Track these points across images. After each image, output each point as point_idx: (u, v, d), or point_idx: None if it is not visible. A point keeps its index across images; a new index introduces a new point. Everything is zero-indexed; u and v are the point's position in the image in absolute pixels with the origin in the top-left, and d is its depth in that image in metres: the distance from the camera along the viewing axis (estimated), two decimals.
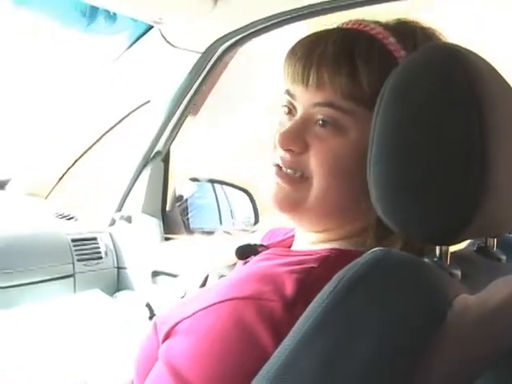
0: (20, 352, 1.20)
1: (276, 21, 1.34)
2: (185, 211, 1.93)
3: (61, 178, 2.09)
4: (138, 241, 1.78)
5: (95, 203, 2.01)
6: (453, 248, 0.63)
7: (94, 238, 1.73)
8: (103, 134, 1.90)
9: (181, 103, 1.64)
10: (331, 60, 0.70)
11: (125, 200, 1.82)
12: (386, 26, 0.74)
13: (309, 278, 0.65)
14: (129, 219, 1.78)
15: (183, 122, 1.71)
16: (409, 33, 0.74)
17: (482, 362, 0.59)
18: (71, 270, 1.62)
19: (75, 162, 2.03)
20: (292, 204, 0.74)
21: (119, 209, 1.82)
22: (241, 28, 1.35)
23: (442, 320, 0.51)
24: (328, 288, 0.54)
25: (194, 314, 0.67)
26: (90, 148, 1.97)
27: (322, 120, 0.71)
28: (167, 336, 0.70)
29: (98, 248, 1.72)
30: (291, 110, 0.76)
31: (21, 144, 2.19)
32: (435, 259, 0.59)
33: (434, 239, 0.59)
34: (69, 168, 2.05)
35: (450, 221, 0.56)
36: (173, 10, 1.32)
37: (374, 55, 0.71)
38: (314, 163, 0.72)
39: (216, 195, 2.08)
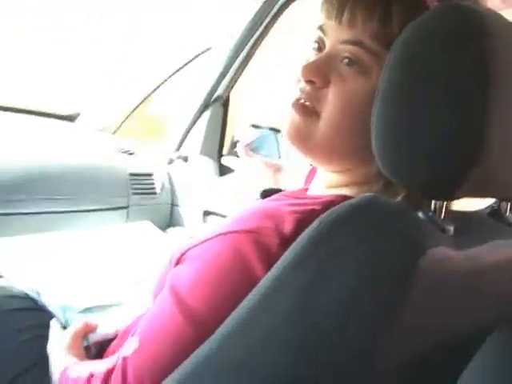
0: (69, 270, 1.30)
1: None
2: None
3: (129, 115, 2.17)
4: (193, 180, 1.83)
5: (157, 141, 2.07)
6: (463, 207, 0.63)
7: (151, 174, 1.80)
8: (170, 76, 1.95)
9: (242, 50, 1.66)
10: (367, 1, 0.71)
11: (184, 140, 1.87)
12: None
13: (308, 218, 0.66)
14: (186, 159, 1.84)
15: (244, 68, 1.73)
16: None
17: (467, 319, 0.60)
18: (126, 202, 1.70)
19: (144, 100, 2.10)
20: (302, 136, 0.76)
21: (178, 148, 1.88)
22: None
23: (412, 267, 0.52)
24: (311, 228, 0.57)
25: (200, 243, 0.72)
26: (157, 88, 2.03)
27: (348, 58, 0.72)
28: (176, 263, 0.75)
29: (154, 184, 1.79)
30: (320, 47, 0.77)
31: (93, 79, 2.27)
32: (429, 213, 0.60)
33: (429, 193, 0.60)
34: (137, 106, 2.13)
35: (444, 175, 0.57)
36: None
37: (409, 2, 0.70)
38: (330, 100, 0.73)
39: (278, 143, 2.10)
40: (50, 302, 1.16)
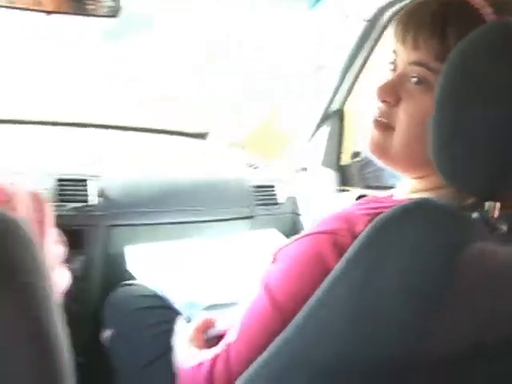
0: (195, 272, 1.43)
1: None
2: (363, 167, 2.01)
3: (257, 131, 2.32)
4: (314, 190, 1.92)
5: (280, 153, 2.18)
6: None
7: (273, 186, 1.91)
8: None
9: (351, 67, 1.73)
10: (427, 24, 0.79)
11: (304, 152, 1.96)
12: None
13: None
14: (307, 170, 1.93)
15: (355, 83, 1.79)
16: (506, 5, 0.79)
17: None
18: (250, 212, 1.82)
19: (269, 116, 2.24)
20: (381, 150, 0.86)
21: (299, 160, 1.98)
22: None
23: (452, 263, 0.57)
24: (368, 226, 0.63)
25: (290, 243, 0.82)
26: (282, 104, 2.15)
27: (416, 77, 0.81)
28: (272, 262, 0.85)
29: (276, 195, 1.89)
30: (395, 68, 0.86)
31: (220, 98, 2.44)
32: (483, 213, 0.64)
33: (481, 194, 0.64)
34: (263, 121, 2.26)
35: (495, 177, 0.61)
36: None
37: (466, 21, 0.77)
38: (402, 115, 0.83)
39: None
40: (176, 300, 1.31)
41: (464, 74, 0.64)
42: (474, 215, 0.65)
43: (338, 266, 0.65)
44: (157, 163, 1.89)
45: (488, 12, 0.78)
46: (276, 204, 1.88)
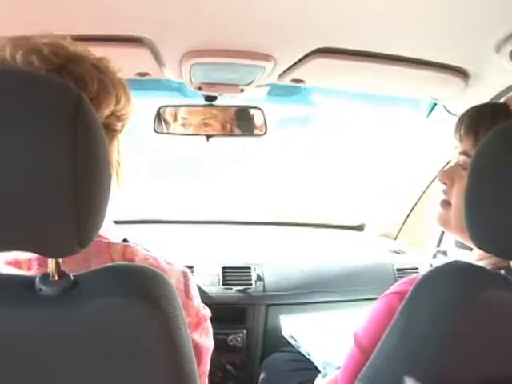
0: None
1: None
2: None
3: (405, 220, 2.54)
4: None
5: (423, 239, 2.38)
6: None
7: (416, 268, 2.11)
8: (429, 184, 2.28)
9: None
10: (467, 126, 1.08)
11: (443, 235, 2.15)
12: None
13: None
14: (445, 253, 2.11)
15: None
16: None
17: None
18: None
19: (414, 205, 2.45)
20: (444, 222, 1.12)
21: (438, 244, 2.17)
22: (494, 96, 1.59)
23: (463, 308, 0.81)
24: (413, 285, 0.88)
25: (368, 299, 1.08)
26: (422, 195, 2.37)
27: (462, 164, 1.08)
28: None
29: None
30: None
31: (374, 191, 2.72)
32: (508, 271, 0.85)
33: (505, 254, 0.84)
34: (410, 211, 2.48)
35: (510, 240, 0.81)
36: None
37: (493, 123, 1.01)
38: (455, 194, 1.08)
39: None
40: (316, 360, 1.58)
41: (485, 160, 0.85)
42: (502, 272, 0.86)
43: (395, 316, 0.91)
44: (312, 252, 2.22)
45: None
46: None
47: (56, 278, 0.69)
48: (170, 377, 0.73)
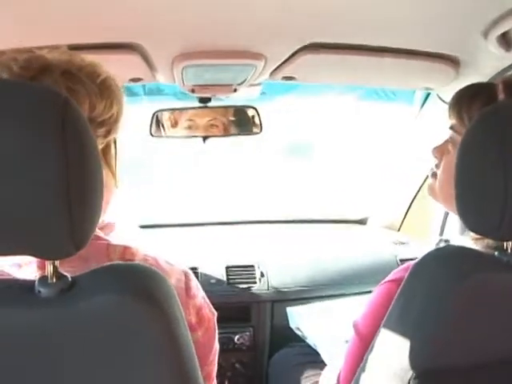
0: None
1: None
2: None
3: (408, 210, 2.55)
4: None
5: (426, 229, 2.38)
6: None
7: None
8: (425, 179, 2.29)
9: None
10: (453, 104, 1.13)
11: (445, 225, 2.16)
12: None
13: None
14: (448, 241, 2.11)
15: None
16: None
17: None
18: None
19: (414, 197, 2.46)
20: (432, 192, 1.20)
21: (441, 233, 2.17)
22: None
23: (457, 290, 0.82)
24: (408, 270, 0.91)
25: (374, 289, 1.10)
26: (423, 184, 2.37)
27: (450, 139, 1.14)
28: None
29: None
30: None
31: (375, 184, 2.73)
32: (501, 252, 0.86)
33: (497, 236, 0.86)
34: (410, 203, 2.49)
35: (508, 221, 0.81)
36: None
37: (473, 101, 1.06)
38: (441, 167, 1.16)
39: None
40: (322, 351, 1.59)
41: (471, 145, 0.87)
42: (495, 253, 0.88)
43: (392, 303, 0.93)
44: (316, 248, 2.23)
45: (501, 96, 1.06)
46: None
47: (54, 280, 0.71)
48: (171, 373, 0.74)
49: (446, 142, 1.17)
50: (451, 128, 1.15)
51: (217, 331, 1.02)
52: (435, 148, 1.20)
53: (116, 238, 0.93)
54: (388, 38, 1.41)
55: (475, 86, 1.14)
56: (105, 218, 0.96)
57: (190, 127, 1.81)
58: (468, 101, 1.09)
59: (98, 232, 0.91)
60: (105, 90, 0.90)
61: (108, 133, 0.91)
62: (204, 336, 0.98)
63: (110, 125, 0.91)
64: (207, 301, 1.01)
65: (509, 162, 0.80)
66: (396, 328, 0.90)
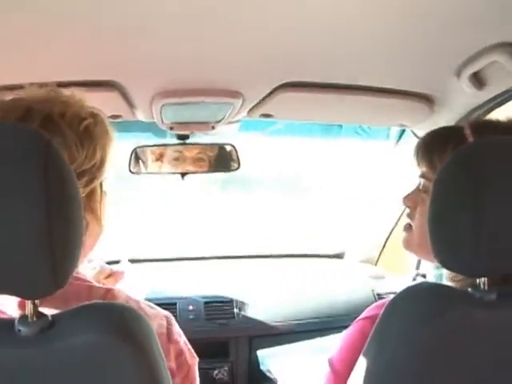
0: None
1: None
2: None
3: (383, 248, 2.57)
4: None
5: (402, 263, 2.40)
6: None
7: (395, 292, 2.13)
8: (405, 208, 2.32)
9: None
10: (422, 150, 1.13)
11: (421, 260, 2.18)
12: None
13: None
14: (424, 276, 2.14)
15: None
16: (487, 129, 1.07)
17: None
18: None
19: (391, 231, 2.49)
20: (408, 245, 1.17)
21: (417, 266, 2.19)
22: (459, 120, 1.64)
23: (431, 326, 0.83)
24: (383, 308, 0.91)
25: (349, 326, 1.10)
26: (397, 221, 2.40)
27: (421, 187, 1.13)
28: None
29: None
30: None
31: (352, 220, 2.75)
32: (474, 289, 0.87)
33: (470, 273, 0.87)
34: (387, 237, 2.52)
35: (479, 258, 0.83)
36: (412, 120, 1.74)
37: (446, 146, 1.07)
38: (417, 216, 1.13)
39: None
40: None
41: (445, 183, 0.88)
42: (469, 290, 0.88)
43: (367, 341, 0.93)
44: (293, 282, 2.24)
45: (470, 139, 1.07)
46: None
47: (34, 319, 0.71)
48: None
49: (417, 190, 1.15)
50: (422, 176, 1.13)
51: (197, 379, 1.01)
52: (406, 197, 1.17)
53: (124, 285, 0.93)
54: (363, 77, 1.44)
55: (443, 132, 1.14)
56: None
57: (177, 159, 1.81)
58: (439, 148, 1.09)
59: (82, 274, 0.91)
60: (87, 138, 0.87)
61: (90, 181, 0.89)
62: (184, 382, 0.97)
63: (92, 174, 0.89)
64: (189, 346, 1.00)
65: (481, 201, 0.82)
66: (371, 367, 0.90)
